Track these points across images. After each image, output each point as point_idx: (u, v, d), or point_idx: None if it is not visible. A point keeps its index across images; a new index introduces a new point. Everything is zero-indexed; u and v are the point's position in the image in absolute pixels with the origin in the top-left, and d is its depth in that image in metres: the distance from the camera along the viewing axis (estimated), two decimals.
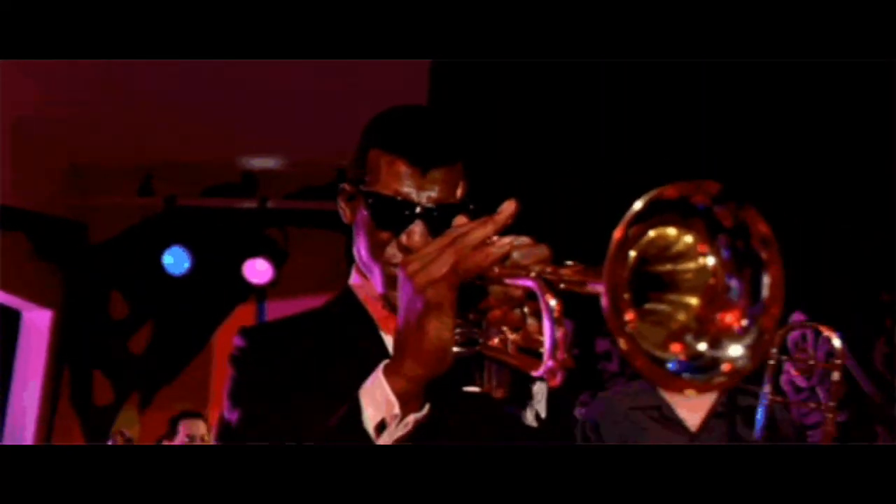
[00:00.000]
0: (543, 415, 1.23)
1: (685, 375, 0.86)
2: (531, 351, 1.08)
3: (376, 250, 1.32)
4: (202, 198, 5.89)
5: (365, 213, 1.33)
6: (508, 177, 4.63)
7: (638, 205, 0.82)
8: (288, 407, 1.26)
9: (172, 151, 5.58)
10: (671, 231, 0.88)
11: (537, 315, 1.07)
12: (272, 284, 5.73)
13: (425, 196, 1.28)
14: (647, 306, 0.90)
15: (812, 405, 3.59)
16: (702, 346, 0.88)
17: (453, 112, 4.73)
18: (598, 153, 4.94)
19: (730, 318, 0.87)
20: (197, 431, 4.59)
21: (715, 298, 0.88)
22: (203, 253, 5.64)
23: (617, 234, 0.82)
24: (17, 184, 5.14)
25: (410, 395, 1.11)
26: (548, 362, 0.97)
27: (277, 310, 5.88)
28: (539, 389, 1.22)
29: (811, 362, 4.42)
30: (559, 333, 0.97)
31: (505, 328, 1.11)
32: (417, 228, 1.28)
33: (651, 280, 0.90)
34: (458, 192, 1.31)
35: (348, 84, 4.66)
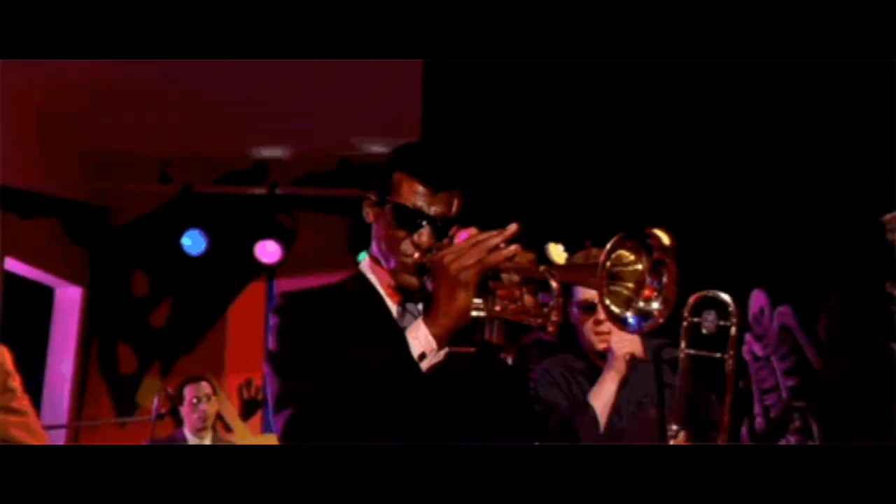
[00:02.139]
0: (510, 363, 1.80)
1: (641, 325, 1.61)
2: (526, 314, 1.67)
3: (394, 245, 1.81)
4: (216, 185, 6.05)
5: (388, 216, 1.82)
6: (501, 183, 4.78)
7: (612, 241, 1.58)
8: (334, 341, 1.72)
9: (189, 142, 5.74)
10: (625, 252, 1.60)
11: (531, 293, 1.67)
12: (281, 264, 5.92)
13: (433, 209, 1.78)
14: (612, 289, 1.60)
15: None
16: (641, 305, 1.59)
17: (448, 113, 4.94)
18: (587, 151, 5.00)
19: (648, 293, 1.60)
20: (201, 392, 4.71)
21: (642, 285, 1.60)
22: (218, 235, 5.80)
23: (602, 256, 1.54)
24: (49, 173, 5.32)
25: (441, 338, 1.65)
26: (552, 318, 1.61)
27: (286, 286, 5.90)
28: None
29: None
30: (559, 303, 1.61)
31: (507, 300, 1.66)
32: (426, 231, 1.78)
33: (612, 276, 1.61)
34: (455, 209, 1.80)
35: (350, 80, 4.80)
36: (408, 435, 1.66)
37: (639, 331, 1.65)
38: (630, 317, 1.60)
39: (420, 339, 1.64)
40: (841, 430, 2.68)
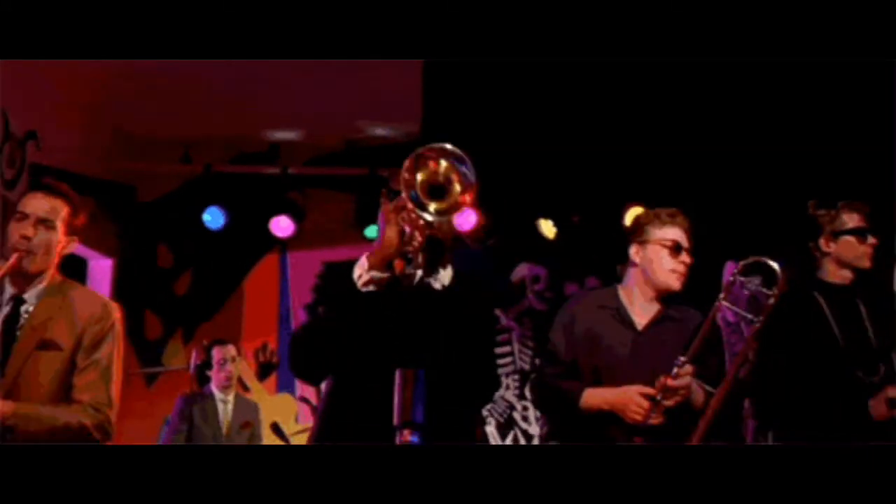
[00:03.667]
0: (447, 283, 2.33)
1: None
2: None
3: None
4: (234, 165, 6.23)
5: (386, 201, 2.31)
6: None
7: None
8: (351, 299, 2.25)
9: (209, 126, 5.93)
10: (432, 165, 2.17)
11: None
12: (293, 238, 6.03)
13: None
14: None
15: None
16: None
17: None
18: (579, 142, 5.17)
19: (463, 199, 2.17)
20: (227, 354, 5.05)
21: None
22: (235, 211, 5.95)
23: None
24: (82, 154, 5.44)
25: (374, 265, 2.19)
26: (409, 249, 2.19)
27: (298, 258, 6.24)
28: (444, 273, 2.33)
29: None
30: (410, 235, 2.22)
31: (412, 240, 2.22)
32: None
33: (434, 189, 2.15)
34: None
35: (356, 72, 5.01)
36: (358, 341, 2.16)
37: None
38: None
39: (360, 265, 2.21)
40: (778, 374, 2.95)
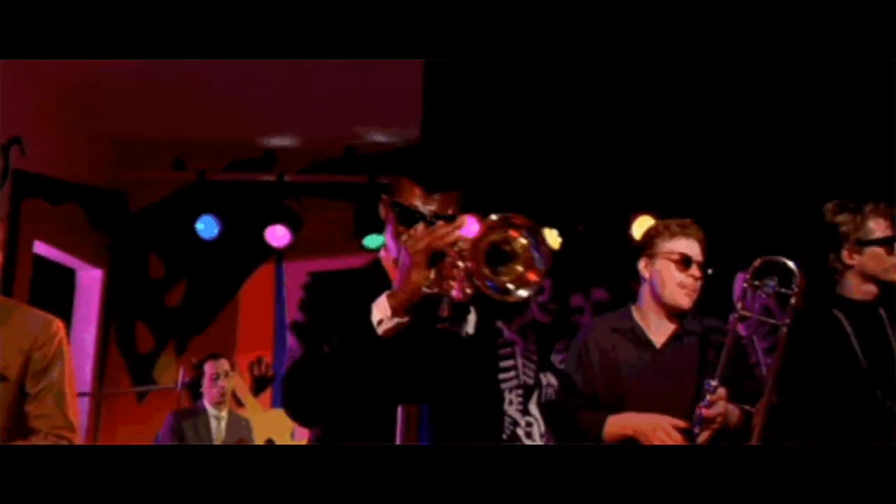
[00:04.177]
0: (471, 332, 2.15)
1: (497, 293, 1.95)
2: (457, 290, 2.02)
3: (397, 238, 2.13)
4: (228, 172, 6.16)
5: (394, 215, 2.14)
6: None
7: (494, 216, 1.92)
8: (336, 316, 2.04)
9: (202, 132, 5.84)
10: (512, 233, 1.93)
11: (466, 274, 2.00)
12: (290, 247, 6.00)
13: (427, 209, 2.11)
14: (498, 268, 1.96)
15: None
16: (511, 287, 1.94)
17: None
18: (585, 149, 5.13)
19: (531, 277, 1.95)
20: (221, 369, 4.95)
21: (529, 265, 1.93)
22: (230, 220, 5.91)
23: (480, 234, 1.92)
24: (70, 161, 5.40)
25: (396, 308, 1.96)
26: (466, 290, 1.98)
27: (294, 269, 6.15)
28: (470, 318, 2.15)
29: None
30: (463, 277, 1.98)
31: (448, 280, 2.00)
32: (420, 227, 2.10)
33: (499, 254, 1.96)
34: (451, 209, 2.13)
35: (354, 74, 4.93)
36: (368, 387, 1.98)
37: (496, 297, 1.95)
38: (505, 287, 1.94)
39: (380, 308, 1.97)
40: (797, 394, 2.78)
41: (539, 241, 1.93)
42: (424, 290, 1.96)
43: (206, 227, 5.87)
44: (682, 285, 2.73)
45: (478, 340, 2.16)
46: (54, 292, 5.57)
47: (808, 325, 2.65)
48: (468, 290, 1.94)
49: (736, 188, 5.11)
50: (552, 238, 5.76)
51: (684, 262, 2.73)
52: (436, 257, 1.96)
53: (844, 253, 2.73)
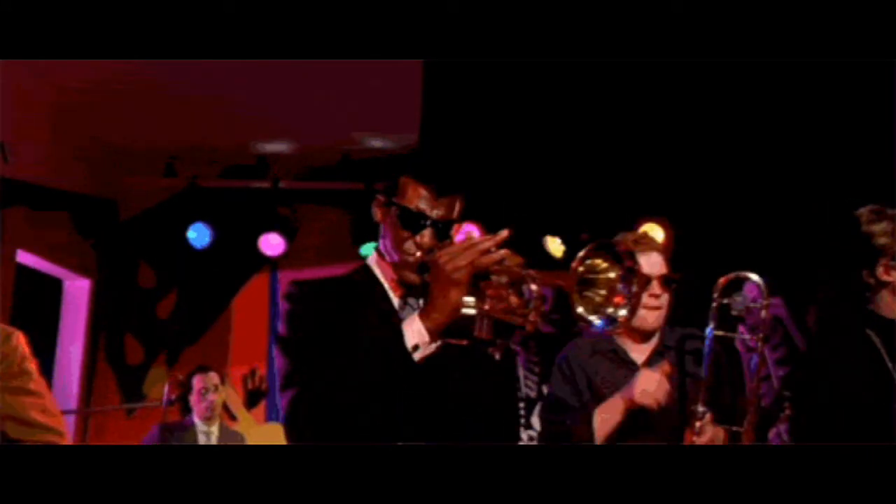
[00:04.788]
0: (498, 357, 1.93)
1: (605, 328, 1.78)
2: (511, 313, 1.82)
3: (398, 244, 1.95)
4: (221, 179, 6.12)
5: (393, 217, 1.95)
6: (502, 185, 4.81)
7: (585, 249, 1.74)
8: (339, 329, 1.86)
9: (194, 137, 5.77)
10: (599, 260, 1.77)
11: (517, 294, 1.82)
12: (284, 256, 6.00)
13: (435, 212, 1.93)
14: (584, 294, 1.78)
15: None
16: (609, 311, 1.77)
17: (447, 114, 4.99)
18: (580, 145, 5.04)
19: (618, 300, 1.76)
20: (210, 383, 4.82)
21: (614, 292, 1.77)
22: (222, 228, 5.90)
23: (575, 263, 1.73)
24: (59, 169, 5.35)
25: (434, 332, 1.78)
26: (529, 318, 1.79)
27: (289, 279, 5.98)
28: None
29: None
30: (537, 304, 1.80)
31: (495, 299, 1.82)
32: (427, 233, 1.92)
33: (586, 282, 1.78)
34: (456, 213, 1.95)
35: (351, 77, 4.85)
36: (401, 419, 1.80)
37: (602, 332, 1.81)
38: (596, 320, 1.76)
39: (414, 332, 1.78)
40: (823, 417, 2.68)
41: (627, 280, 1.79)
42: (464, 311, 1.79)
43: (198, 235, 5.83)
44: (645, 307, 2.64)
45: (506, 363, 2.00)
46: (40, 303, 5.54)
47: (837, 344, 2.51)
48: (532, 318, 1.77)
49: (741, 192, 5.02)
50: (555, 246, 5.66)
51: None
52: (479, 276, 1.79)
53: (880, 269, 2.49)
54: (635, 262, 1.77)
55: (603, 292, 1.76)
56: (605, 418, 2.58)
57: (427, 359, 1.79)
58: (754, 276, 2.62)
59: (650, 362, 2.69)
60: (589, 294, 1.75)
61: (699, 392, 2.58)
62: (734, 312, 2.64)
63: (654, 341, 2.74)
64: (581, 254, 1.72)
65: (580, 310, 1.73)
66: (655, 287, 2.65)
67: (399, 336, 1.77)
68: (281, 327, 1.92)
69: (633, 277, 1.76)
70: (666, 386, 2.54)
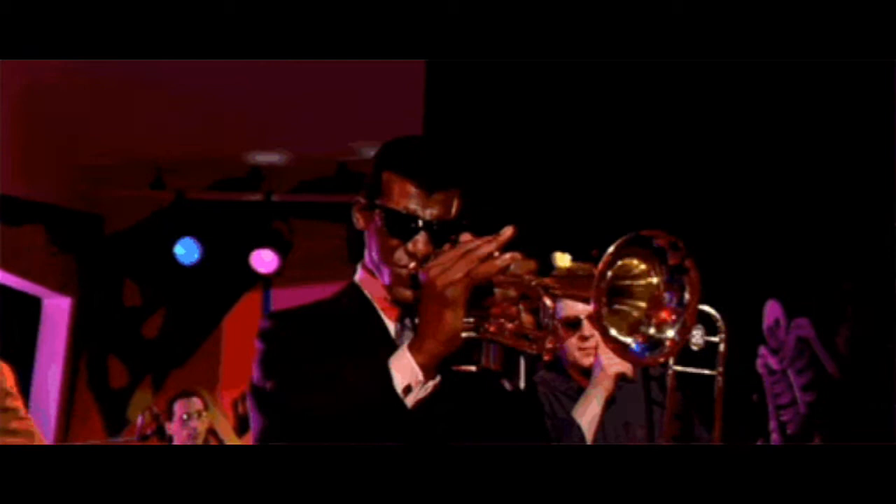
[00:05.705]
0: (522, 385, 1.55)
1: (646, 354, 1.34)
2: (524, 337, 1.44)
3: (387, 254, 1.59)
4: (211, 191, 6.02)
5: (378, 223, 1.59)
6: (503, 186, 4.67)
7: (615, 245, 1.28)
8: (317, 374, 1.51)
9: (182, 147, 5.71)
10: (635, 260, 1.32)
11: (530, 311, 1.44)
12: (277, 273, 5.89)
13: (429, 212, 1.56)
14: (615, 307, 1.33)
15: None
16: (651, 332, 1.33)
17: (449, 116, 4.94)
18: (589, 152, 4.93)
19: (665, 315, 1.33)
20: (192, 408, 4.68)
21: (658, 304, 1.33)
22: (212, 243, 5.79)
23: (600, 266, 1.27)
24: (35, 179, 5.28)
25: (429, 367, 1.43)
26: (547, 345, 1.38)
27: (283, 297, 6.01)
28: (521, 367, 1.55)
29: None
30: (554, 326, 1.41)
31: (503, 319, 1.44)
32: (421, 238, 1.55)
33: (617, 290, 1.33)
34: (454, 211, 1.58)
35: (349, 83, 4.79)
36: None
37: (643, 360, 1.42)
38: (634, 343, 1.34)
39: (404, 370, 1.42)
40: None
41: (673, 290, 1.36)
42: (464, 335, 1.43)
43: (187, 251, 5.74)
44: (581, 349, 2.62)
45: (529, 396, 1.60)
46: (15, 324, 5.39)
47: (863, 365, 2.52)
48: (550, 344, 1.38)
49: (744, 204, 4.90)
50: (564, 263, 5.45)
51: (570, 326, 2.61)
52: (479, 291, 1.43)
53: None
54: (685, 256, 1.32)
55: (642, 304, 1.35)
56: (588, 420, 2.50)
57: (423, 402, 1.44)
58: (710, 310, 2.69)
59: (613, 396, 2.60)
60: (623, 308, 1.35)
61: (665, 423, 2.62)
62: (693, 347, 2.68)
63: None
64: (609, 251, 1.29)
65: (612, 331, 1.31)
66: (586, 328, 2.55)
67: (386, 377, 1.42)
68: (255, 373, 1.58)
69: (684, 280, 1.33)
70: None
